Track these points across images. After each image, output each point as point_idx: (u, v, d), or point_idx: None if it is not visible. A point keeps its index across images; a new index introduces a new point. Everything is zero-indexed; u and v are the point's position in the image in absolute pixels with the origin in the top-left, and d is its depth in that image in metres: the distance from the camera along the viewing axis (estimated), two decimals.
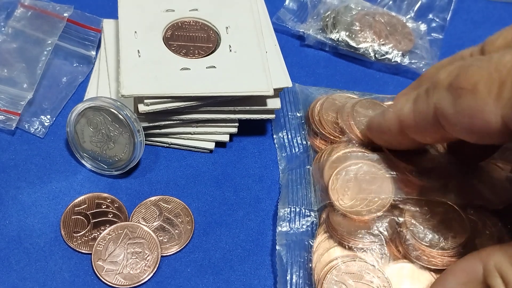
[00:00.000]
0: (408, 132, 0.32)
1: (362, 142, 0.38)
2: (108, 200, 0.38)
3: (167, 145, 0.42)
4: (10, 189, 0.38)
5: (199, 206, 0.39)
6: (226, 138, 0.41)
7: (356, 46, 0.49)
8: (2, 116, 0.40)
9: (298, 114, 0.43)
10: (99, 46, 0.46)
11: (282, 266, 0.34)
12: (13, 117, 0.40)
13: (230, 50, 0.40)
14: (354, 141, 0.38)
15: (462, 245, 0.33)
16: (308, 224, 0.36)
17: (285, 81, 0.39)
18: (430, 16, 0.53)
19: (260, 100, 0.40)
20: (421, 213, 0.34)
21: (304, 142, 0.41)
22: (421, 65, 0.49)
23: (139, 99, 0.37)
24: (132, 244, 0.36)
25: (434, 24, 0.53)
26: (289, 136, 0.42)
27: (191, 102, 0.38)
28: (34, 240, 0.36)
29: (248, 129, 0.43)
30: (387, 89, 0.48)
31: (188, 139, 0.41)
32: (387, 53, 0.49)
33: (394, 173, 0.35)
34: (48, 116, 0.42)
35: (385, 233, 0.34)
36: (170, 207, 0.38)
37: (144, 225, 0.37)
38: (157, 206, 0.38)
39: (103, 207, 0.38)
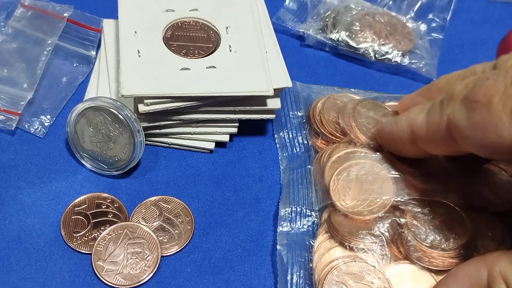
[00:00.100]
0: (419, 143, 0.32)
1: (363, 143, 0.38)
2: (108, 200, 0.38)
3: (167, 145, 0.42)
4: (10, 189, 0.38)
5: (199, 206, 0.39)
6: (226, 138, 0.41)
7: (356, 46, 0.49)
8: (2, 116, 0.40)
9: (299, 114, 0.43)
10: (99, 46, 0.46)
11: (283, 266, 0.34)
12: (13, 117, 0.40)
13: (230, 50, 0.40)
14: (355, 142, 0.38)
15: (463, 247, 0.33)
16: (309, 224, 0.36)
17: (285, 81, 0.39)
18: (430, 16, 0.53)
19: (260, 100, 0.40)
20: (422, 214, 0.34)
21: (306, 142, 0.41)
22: (421, 65, 0.49)
23: (139, 99, 0.37)
24: (132, 244, 0.36)
25: (434, 24, 0.53)
26: (290, 136, 0.42)
27: (191, 102, 0.38)
28: (34, 240, 0.36)
29: (248, 129, 0.43)
30: (387, 89, 0.48)
31: (188, 139, 0.41)
32: (387, 53, 0.49)
33: (396, 173, 0.35)
34: (48, 116, 0.42)
35: (386, 234, 0.34)
36: (170, 207, 0.38)
37: (144, 225, 0.37)
38: (157, 206, 0.38)
39: (103, 207, 0.38)
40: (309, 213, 0.36)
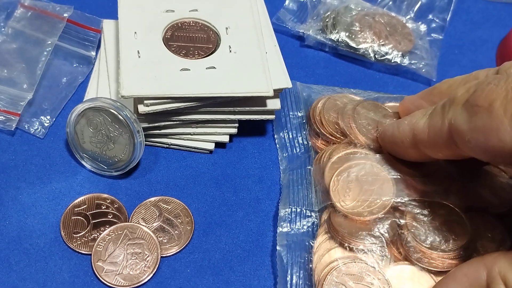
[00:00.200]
0: (421, 147, 0.32)
1: (362, 144, 0.38)
2: (108, 201, 0.38)
3: (167, 145, 0.42)
4: (10, 189, 0.38)
5: (199, 206, 0.39)
6: (226, 138, 0.41)
7: (356, 47, 0.49)
8: (2, 117, 0.40)
9: (299, 114, 0.43)
10: (99, 46, 0.46)
11: (283, 267, 0.34)
12: (13, 118, 0.40)
13: (230, 51, 0.40)
14: (355, 143, 0.38)
15: (463, 248, 0.33)
16: (309, 224, 0.36)
17: (285, 82, 0.39)
18: (430, 16, 0.53)
19: (260, 100, 0.40)
20: (422, 215, 0.34)
21: (305, 142, 0.41)
22: (421, 65, 0.49)
23: (139, 100, 0.37)
24: (132, 245, 0.36)
25: (434, 25, 0.53)
26: (290, 136, 0.42)
27: (191, 103, 0.38)
28: (34, 240, 0.36)
29: (248, 129, 0.43)
30: (387, 89, 0.48)
31: (188, 139, 0.41)
32: (387, 53, 0.49)
33: (396, 174, 0.35)
34: (48, 117, 0.42)
35: (386, 234, 0.34)
36: (169, 207, 0.38)
37: (144, 225, 0.37)
38: (157, 207, 0.38)
39: (103, 207, 0.38)
40: (309, 214, 0.36)
